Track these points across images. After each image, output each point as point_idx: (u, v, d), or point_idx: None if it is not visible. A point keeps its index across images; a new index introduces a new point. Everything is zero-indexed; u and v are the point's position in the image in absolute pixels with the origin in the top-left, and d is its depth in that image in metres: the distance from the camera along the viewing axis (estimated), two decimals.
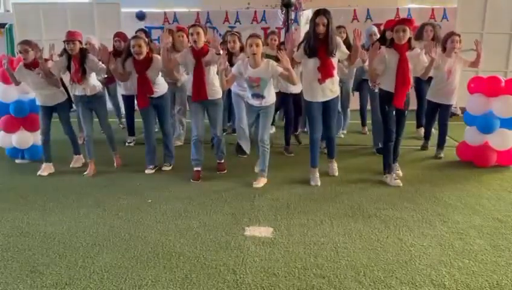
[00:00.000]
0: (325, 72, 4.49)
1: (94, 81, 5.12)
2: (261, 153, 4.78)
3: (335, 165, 5.08)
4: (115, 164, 5.43)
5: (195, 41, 4.64)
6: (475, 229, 3.59)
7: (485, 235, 3.47)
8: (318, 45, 4.44)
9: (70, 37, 4.86)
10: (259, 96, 4.60)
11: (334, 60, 4.55)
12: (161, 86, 5.11)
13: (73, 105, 5.45)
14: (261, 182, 4.75)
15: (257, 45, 4.38)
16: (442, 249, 3.24)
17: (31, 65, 5.00)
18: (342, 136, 6.82)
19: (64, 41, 4.90)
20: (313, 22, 4.41)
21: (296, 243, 3.34)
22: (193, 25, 4.72)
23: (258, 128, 4.75)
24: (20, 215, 3.92)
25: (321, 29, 4.38)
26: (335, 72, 4.58)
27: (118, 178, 5.02)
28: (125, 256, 3.16)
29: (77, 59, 4.91)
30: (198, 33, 4.63)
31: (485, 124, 5.31)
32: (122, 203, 4.21)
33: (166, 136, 5.31)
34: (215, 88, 4.83)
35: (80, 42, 4.97)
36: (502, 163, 5.37)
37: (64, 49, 5.00)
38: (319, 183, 4.76)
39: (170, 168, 5.33)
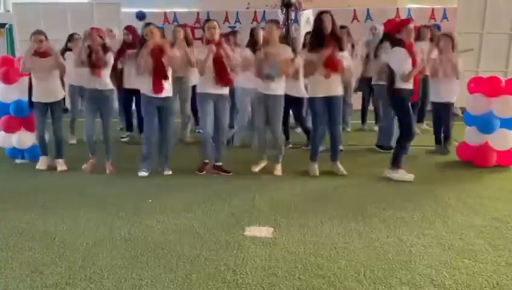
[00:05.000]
0: (332, 66, 4.70)
1: (106, 78, 5.13)
2: (275, 146, 5.07)
3: (339, 165, 5.08)
4: (107, 171, 5.21)
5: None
6: (475, 229, 3.59)
7: (485, 235, 3.47)
8: (326, 40, 4.70)
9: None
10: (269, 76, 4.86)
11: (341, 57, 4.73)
12: (168, 87, 5.01)
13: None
14: (279, 169, 5.09)
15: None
16: (442, 249, 3.24)
17: (43, 54, 5.06)
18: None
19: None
20: (319, 19, 4.72)
21: (296, 243, 3.34)
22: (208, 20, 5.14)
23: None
24: (20, 215, 3.91)
25: (327, 26, 4.69)
26: (341, 68, 4.74)
27: (118, 178, 5.02)
28: (125, 256, 3.15)
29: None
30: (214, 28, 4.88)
31: (485, 124, 5.31)
32: (122, 203, 4.21)
33: (165, 141, 5.17)
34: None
35: (101, 37, 5.10)
36: (502, 163, 5.37)
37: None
38: (317, 174, 5.00)
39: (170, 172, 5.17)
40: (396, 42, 4.70)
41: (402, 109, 4.79)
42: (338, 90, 4.88)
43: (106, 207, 4.10)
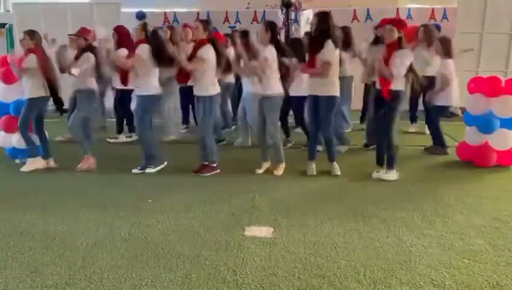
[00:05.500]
0: (304, 66, 4.92)
1: (84, 77, 5.15)
2: (273, 146, 5.08)
3: (336, 165, 5.09)
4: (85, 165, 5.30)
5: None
6: (475, 229, 3.59)
7: (485, 235, 3.47)
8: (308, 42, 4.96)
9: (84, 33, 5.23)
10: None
11: (322, 59, 4.73)
12: (143, 85, 4.95)
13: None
14: (281, 169, 5.11)
15: None
16: (442, 249, 3.24)
17: (26, 53, 5.12)
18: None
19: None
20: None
21: (296, 243, 3.34)
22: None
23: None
24: (20, 215, 3.92)
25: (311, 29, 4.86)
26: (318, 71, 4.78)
27: (118, 178, 5.01)
28: (125, 256, 3.15)
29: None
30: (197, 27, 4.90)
31: (485, 124, 5.31)
32: (122, 203, 4.21)
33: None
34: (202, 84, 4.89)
35: (86, 39, 5.18)
36: (502, 163, 5.36)
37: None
38: (314, 173, 5.03)
39: (154, 170, 5.17)
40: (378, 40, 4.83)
41: None
42: (324, 91, 4.80)
43: (106, 207, 4.10)
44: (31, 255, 3.18)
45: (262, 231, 3.56)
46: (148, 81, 4.93)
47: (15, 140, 5.61)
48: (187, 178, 4.98)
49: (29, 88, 5.13)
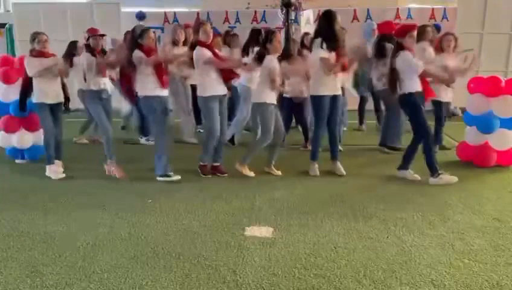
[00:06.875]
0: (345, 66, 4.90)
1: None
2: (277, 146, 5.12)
3: (339, 164, 5.09)
4: (117, 176, 5.01)
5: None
6: (475, 229, 3.59)
7: (485, 235, 3.47)
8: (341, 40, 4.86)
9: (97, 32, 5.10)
10: None
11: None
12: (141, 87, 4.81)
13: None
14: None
15: None
16: (442, 249, 3.24)
17: (47, 55, 4.95)
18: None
19: (90, 37, 5.14)
20: (335, 20, 4.77)
21: (296, 243, 3.34)
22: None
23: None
24: (20, 215, 3.92)
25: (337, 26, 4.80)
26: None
27: (118, 178, 5.01)
28: (125, 256, 3.15)
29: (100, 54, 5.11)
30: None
31: (485, 124, 5.31)
32: (122, 203, 4.21)
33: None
34: None
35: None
36: (502, 163, 5.37)
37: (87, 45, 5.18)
38: (317, 174, 5.01)
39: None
40: (401, 46, 4.65)
41: (416, 111, 4.71)
42: (340, 89, 5.02)
43: (106, 207, 4.10)
44: (31, 255, 3.17)
45: (262, 231, 3.55)
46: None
47: (15, 140, 5.61)
48: (187, 178, 4.97)
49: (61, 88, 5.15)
